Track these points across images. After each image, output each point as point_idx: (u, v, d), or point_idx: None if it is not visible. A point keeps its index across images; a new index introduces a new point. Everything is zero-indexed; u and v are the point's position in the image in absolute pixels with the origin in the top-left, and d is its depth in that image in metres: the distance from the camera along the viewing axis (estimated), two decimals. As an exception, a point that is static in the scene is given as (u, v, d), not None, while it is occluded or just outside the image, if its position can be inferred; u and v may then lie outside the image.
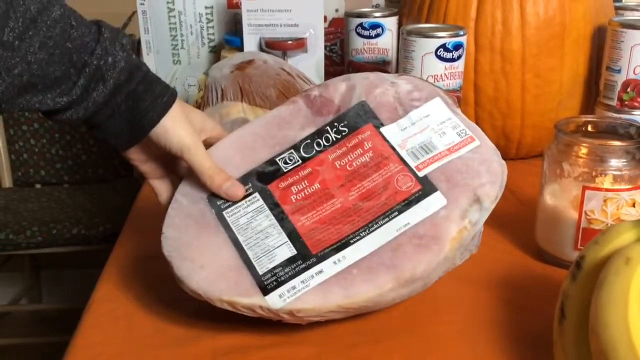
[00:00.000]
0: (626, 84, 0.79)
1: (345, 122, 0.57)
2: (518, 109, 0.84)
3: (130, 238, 0.71)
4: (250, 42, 0.88)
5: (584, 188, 0.58)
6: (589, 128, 0.64)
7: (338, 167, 0.55)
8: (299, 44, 0.87)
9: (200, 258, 0.52)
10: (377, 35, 0.91)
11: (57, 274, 1.99)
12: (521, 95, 0.83)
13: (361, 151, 0.55)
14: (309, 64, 0.89)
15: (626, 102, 0.80)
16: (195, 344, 0.52)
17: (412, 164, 0.54)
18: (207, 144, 0.58)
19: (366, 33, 0.91)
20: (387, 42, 0.92)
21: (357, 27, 0.91)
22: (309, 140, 0.57)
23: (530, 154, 0.90)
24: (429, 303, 0.57)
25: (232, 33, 0.97)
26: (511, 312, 0.56)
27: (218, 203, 0.55)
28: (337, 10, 1.30)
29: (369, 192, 0.53)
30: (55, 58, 0.49)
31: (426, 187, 0.52)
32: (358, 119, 0.57)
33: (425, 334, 0.53)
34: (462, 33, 0.75)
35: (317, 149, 0.56)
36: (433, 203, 0.51)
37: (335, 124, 0.57)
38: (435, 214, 0.51)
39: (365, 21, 0.91)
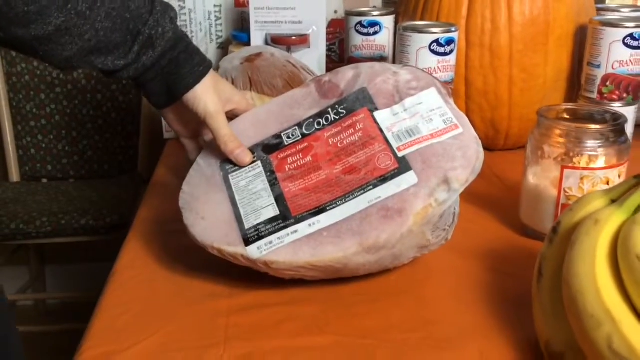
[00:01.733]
0: (605, 78, 0.86)
1: (345, 105, 0.63)
2: (506, 102, 0.90)
3: (147, 217, 0.77)
4: (257, 38, 0.94)
5: (563, 168, 0.64)
6: (569, 115, 0.70)
7: (331, 143, 0.61)
8: (303, 40, 0.93)
9: (203, 211, 0.60)
10: (375, 33, 0.97)
11: (61, 268, 2.04)
12: (509, 89, 0.89)
13: (353, 131, 0.61)
14: (312, 58, 0.95)
15: (605, 95, 0.86)
16: (212, 302, 0.58)
17: (395, 145, 0.59)
18: (235, 115, 0.67)
19: (365, 30, 0.97)
20: (384, 39, 0.98)
21: (356, 25, 0.97)
22: (311, 120, 0.64)
23: (517, 144, 0.96)
24: (423, 270, 0.63)
25: (239, 30, 1.03)
26: (496, 277, 0.62)
27: (227, 167, 0.63)
28: (336, 12, 1.36)
29: (352, 167, 0.59)
30: (117, 26, 0.57)
31: (402, 167, 0.57)
32: (356, 103, 0.63)
33: (419, 295, 0.59)
34: (454, 29, 0.81)
35: (317, 127, 0.63)
36: (405, 181, 0.56)
37: (336, 106, 0.63)
38: (405, 190, 0.56)
39: (364, 19, 0.97)
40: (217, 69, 0.84)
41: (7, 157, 1.78)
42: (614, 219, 0.47)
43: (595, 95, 0.87)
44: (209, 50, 1.03)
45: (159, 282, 0.62)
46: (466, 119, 0.59)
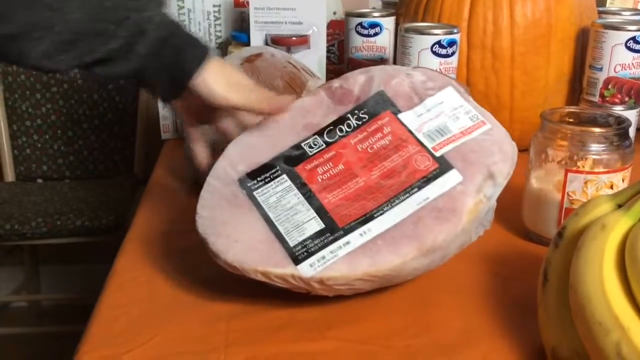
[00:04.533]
0: (607, 81, 0.85)
1: (365, 110, 0.61)
2: (507, 104, 0.89)
3: (145, 217, 0.76)
4: (257, 38, 0.93)
5: (567, 171, 0.64)
6: (572, 118, 0.69)
7: (360, 149, 0.60)
8: (303, 41, 0.92)
9: (235, 234, 0.56)
10: (376, 34, 0.96)
11: (56, 268, 2.02)
12: (510, 91, 0.88)
13: (381, 135, 0.60)
14: (312, 59, 0.94)
15: (607, 98, 0.86)
16: (211, 306, 0.57)
17: (429, 145, 0.58)
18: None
19: (365, 32, 0.96)
20: (384, 41, 0.97)
21: (356, 26, 0.97)
22: (331, 127, 0.61)
23: (519, 147, 0.93)
24: (425, 274, 0.62)
25: (238, 30, 1.02)
26: (499, 281, 0.61)
27: (249, 185, 0.59)
28: (335, 13, 1.36)
29: (390, 171, 0.58)
30: (93, 17, 0.53)
31: (443, 166, 0.57)
32: (377, 106, 0.61)
33: (422, 299, 0.58)
34: (456, 31, 0.81)
35: (340, 134, 0.61)
36: (450, 179, 0.56)
37: (356, 111, 0.62)
38: (453, 189, 0.55)
39: (365, 20, 0.96)
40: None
41: (2, 156, 1.76)
42: (620, 224, 0.47)
43: (597, 99, 0.87)
44: (208, 50, 1.02)
45: (157, 285, 0.61)
46: (490, 114, 0.60)
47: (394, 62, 0.99)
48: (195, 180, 0.83)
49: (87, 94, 1.76)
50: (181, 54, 0.58)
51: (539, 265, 0.52)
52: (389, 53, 0.98)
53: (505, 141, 0.58)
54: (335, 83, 0.64)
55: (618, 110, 0.85)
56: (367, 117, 0.61)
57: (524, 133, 0.92)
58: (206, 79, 0.59)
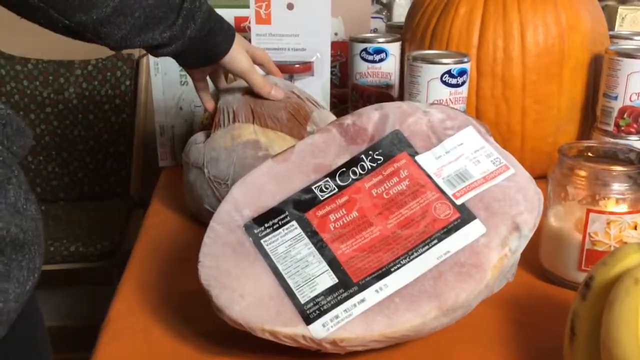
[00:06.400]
0: (623, 111, 0.82)
1: (380, 151, 0.58)
2: (518, 133, 0.86)
3: (142, 257, 0.72)
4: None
5: (588, 211, 0.60)
6: (591, 153, 0.66)
7: (375, 195, 0.56)
8: (306, 68, 0.89)
9: (240, 287, 0.51)
10: (381, 60, 0.94)
11: (49, 294, 1.97)
12: (521, 120, 0.85)
13: (397, 179, 0.56)
14: (316, 86, 0.91)
15: (622, 128, 0.83)
16: (212, 359, 0.53)
17: (449, 192, 0.54)
18: (258, 62, 0.78)
19: (370, 58, 0.94)
20: (390, 67, 0.94)
21: (361, 51, 0.94)
22: (344, 169, 0.57)
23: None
24: (439, 321, 0.59)
25: (239, 56, 0.99)
26: (518, 329, 0.57)
27: (255, 231, 0.55)
28: (336, 34, 1.33)
29: (407, 220, 0.54)
30: (159, 3, 0.64)
31: (465, 215, 0.53)
32: (393, 147, 0.58)
33: (439, 351, 0.55)
34: (466, 60, 0.78)
35: (353, 177, 0.57)
36: (472, 231, 0.52)
37: (370, 152, 0.58)
38: (475, 241, 0.51)
39: (370, 46, 0.93)
40: (217, 100, 0.80)
41: (-6, 178, 1.72)
42: (655, 278, 0.43)
43: (611, 128, 0.84)
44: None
45: (155, 335, 0.57)
46: (512, 157, 0.56)
47: (400, 89, 0.96)
48: (195, 216, 0.79)
49: (83, 114, 1.73)
50: (215, 36, 0.71)
51: (560, 310, 0.49)
52: (394, 79, 0.95)
53: (531, 188, 0.54)
54: (348, 120, 0.60)
55: (634, 140, 0.82)
56: (382, 158, 0.57)
57: (535, 162, 0.89)
58: (232, 56, 0.73)
